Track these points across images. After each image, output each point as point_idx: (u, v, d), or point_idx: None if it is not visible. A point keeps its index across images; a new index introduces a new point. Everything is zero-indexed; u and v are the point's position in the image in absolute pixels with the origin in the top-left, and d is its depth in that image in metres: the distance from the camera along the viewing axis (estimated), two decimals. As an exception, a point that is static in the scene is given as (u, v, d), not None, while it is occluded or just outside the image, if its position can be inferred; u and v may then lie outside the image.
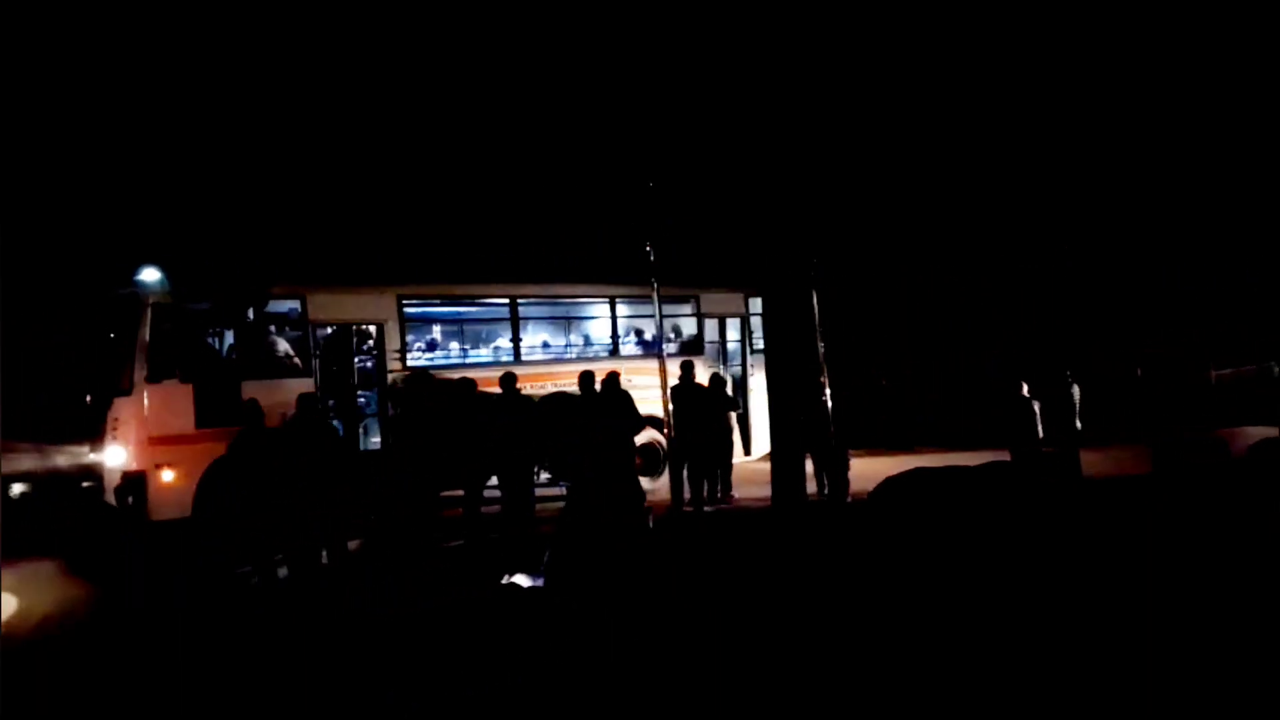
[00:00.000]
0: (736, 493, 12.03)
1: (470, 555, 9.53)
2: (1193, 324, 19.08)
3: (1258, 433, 12.35)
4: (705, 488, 11.60)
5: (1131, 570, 6.81)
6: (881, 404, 13.49)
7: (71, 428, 9.70)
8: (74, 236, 15.56)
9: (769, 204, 10.47)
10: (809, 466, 10.90)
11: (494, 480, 10.33)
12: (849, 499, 11.20)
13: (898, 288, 21.98)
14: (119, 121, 17.46)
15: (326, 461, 9.05)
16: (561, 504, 9.76)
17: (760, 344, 14.10)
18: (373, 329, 11.38)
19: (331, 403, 10.92)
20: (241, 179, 18.34)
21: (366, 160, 19.48)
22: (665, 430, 11.63)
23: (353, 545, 9.73)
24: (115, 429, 9.55)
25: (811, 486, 11.03)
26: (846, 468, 11.44)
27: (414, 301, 11.87)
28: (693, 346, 13.95)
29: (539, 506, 10.43)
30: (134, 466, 9.53)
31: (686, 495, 11.43)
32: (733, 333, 14.67)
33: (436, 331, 12.51)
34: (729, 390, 12.71)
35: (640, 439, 11.24)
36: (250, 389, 9.82)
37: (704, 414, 11.49)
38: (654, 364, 11.67)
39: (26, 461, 9.59)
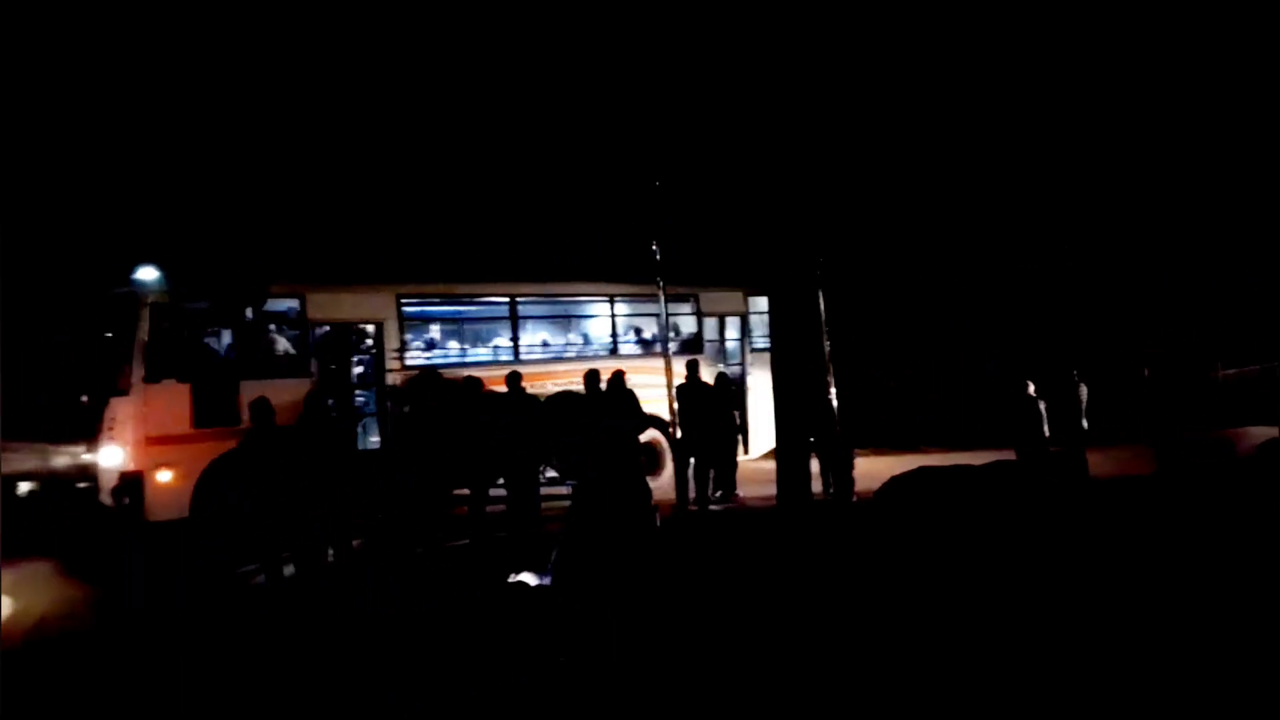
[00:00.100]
0: (739, 491, 11.98)
1: (476, 554, 9.49)
2: (1193, 324, 19.12)
3: (1262, 433, 12.37)
4: (710, 485, 11.55)
5: (1137, 570, 6.79)
6: (884, 403, 13.49)
7: (69, 428, 9.61)
8: (72, 236, 15.47)
9: (776, 204, 10.45)
10: (814, 465, 10.87)
11: (501, 479, 10.29)
12: (854, 498, 11.16)
13: (899, 287, 21.98)
14: (118, 121, 17.40)
15: (333, 461, 9.01)
16: (567, 503, 9.72)
17: (759, 343, 14.09)
18: (372, 328, 11.32)
19: (330, 402, 10.85)
20: (240, 178, 18.28)
21: (365, 159, 19.44)
22: (672, 429, 11.58)
23: (356, 544, 9.67)
24: (112, 429, 9.44)
25: (816, 485, 11.01)
26: (851, 466, 11.40)
27: (413, 300, 11.79)
28: (692, 345, 13.91)
29: (545, 505, 10.39)
30: (131, 467, 9.42)
31: (692, 494, 11.39)
32: (732, 331, 14.65)
33: (436, 331, 12.46)
34: (733, 389, 12.65)
35: (642, 438, 11.19)
36: (249, 389, 9.71)
37: (710, 413, 11.46)
38: (653, 363, 11.63)
39: (26, 461, 9.51)
